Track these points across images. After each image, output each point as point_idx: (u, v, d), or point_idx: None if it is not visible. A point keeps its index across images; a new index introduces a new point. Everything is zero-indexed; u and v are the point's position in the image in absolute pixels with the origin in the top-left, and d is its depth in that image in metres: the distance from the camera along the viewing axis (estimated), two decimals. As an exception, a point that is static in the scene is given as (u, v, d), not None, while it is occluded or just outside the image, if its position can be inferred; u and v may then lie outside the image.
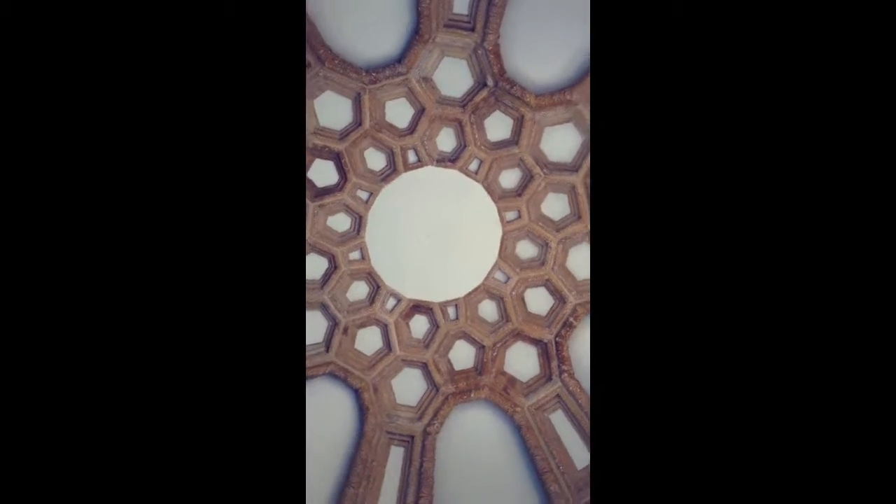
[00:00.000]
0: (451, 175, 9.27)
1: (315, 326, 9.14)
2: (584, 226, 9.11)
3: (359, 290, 9.30)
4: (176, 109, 3.01)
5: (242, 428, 2.92)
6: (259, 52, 3.13)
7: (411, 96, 9.12)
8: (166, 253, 2.93)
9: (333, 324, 9.15)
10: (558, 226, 9.24)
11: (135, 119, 2.93)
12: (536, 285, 9.34)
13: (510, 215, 9.28)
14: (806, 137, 2.86)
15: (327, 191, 9.21)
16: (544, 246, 9.26)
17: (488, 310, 9.41)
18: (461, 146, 9.24)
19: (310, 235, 9.16)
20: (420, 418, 9.02)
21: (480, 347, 9.28)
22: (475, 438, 8.98)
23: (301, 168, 3.32)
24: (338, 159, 9.17)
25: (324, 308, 9.16)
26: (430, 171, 9.26)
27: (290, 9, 3.36)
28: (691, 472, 2.77)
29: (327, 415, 8.91)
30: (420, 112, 9.17)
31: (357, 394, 8.97)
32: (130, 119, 2.90)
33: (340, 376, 9.00)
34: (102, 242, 2.83)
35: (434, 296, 9.27)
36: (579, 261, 9.24)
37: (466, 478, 8.72)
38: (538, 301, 9.36)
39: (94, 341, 2.73)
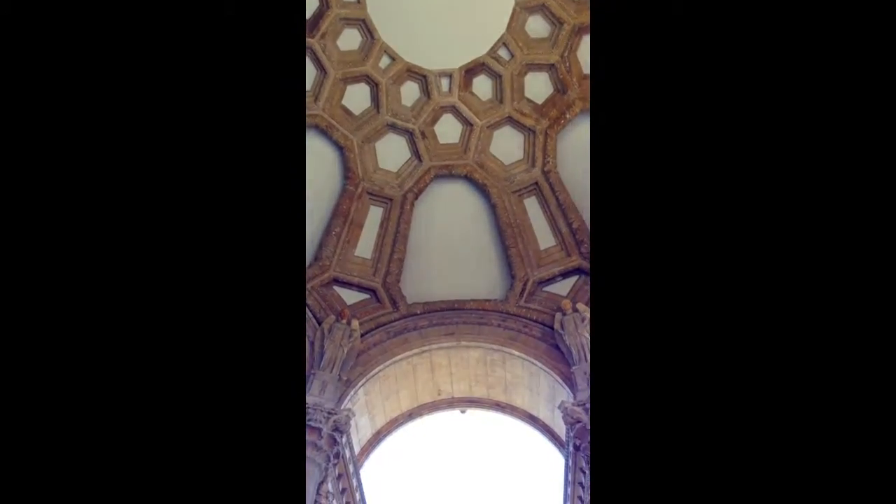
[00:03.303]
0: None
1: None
2: None
3: (409, 91, 8.93)
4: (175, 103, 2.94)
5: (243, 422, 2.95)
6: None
7: None
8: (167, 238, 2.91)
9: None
10: None
11: (123, 102, 2.91)
12: (567, -29, 8.14)
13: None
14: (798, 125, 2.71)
15: None
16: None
17: (537, 26, 8.47)
18: None
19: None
20: (534, 165, 8.84)
21: (550, 67, 8.54)
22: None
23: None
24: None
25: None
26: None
27: None
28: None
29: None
30: None
31: (470, 182, 8.96)
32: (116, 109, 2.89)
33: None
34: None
35: (478, 50, 8.58)
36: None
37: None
38: (578, -14, 8.21)
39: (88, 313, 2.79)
